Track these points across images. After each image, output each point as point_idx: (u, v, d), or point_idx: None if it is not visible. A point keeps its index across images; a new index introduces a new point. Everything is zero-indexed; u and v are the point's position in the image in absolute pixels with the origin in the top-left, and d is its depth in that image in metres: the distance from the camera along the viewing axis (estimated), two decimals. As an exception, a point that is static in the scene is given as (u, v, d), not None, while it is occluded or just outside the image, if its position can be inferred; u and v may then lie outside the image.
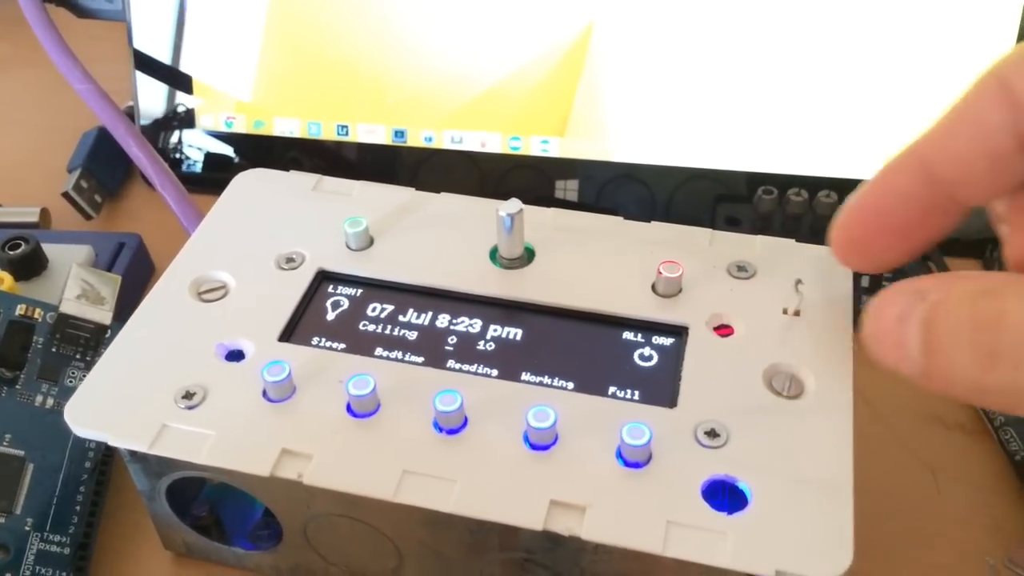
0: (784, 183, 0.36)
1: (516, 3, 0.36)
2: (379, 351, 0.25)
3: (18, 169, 0.43)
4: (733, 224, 0.36)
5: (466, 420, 0.23)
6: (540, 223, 0.28)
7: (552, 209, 0.28)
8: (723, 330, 0.25)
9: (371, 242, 0.28)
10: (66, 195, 0.38)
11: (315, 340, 0.25)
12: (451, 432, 0.22)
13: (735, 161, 0.36)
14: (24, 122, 0.46)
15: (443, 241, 0.28)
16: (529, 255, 0.27)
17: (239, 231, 0.28)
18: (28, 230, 0.34)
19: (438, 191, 0.29)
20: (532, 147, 0.38)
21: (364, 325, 0.26)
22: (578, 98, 0.37)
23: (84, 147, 0.40)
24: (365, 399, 0.23)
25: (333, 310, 0.26)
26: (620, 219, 0.28)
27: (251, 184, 0.30)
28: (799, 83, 0.35)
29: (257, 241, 0.28)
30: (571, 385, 0.24)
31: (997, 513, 0.28)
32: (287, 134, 0.39)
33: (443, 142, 0.38)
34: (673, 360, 0.24)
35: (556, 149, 0.37)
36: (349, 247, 0.27)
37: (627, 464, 0.22)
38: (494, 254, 0.27)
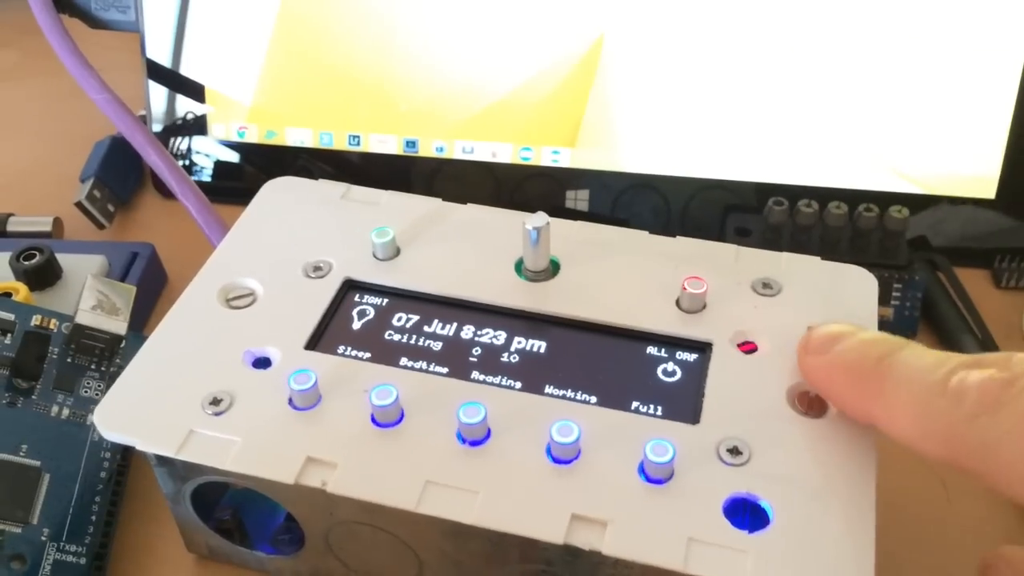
0: (794, 194, 0.36)
1: (528, 14, 0.37)
2: (404, 361, 0.25)
3: (30, 179, 0.43)
4: (743, 235, 0.36)
5: (489, 432, 0.23)
6: (565, 236, 0.28)
7: (578, 222, 0.29)
8: (747, 347, 0.25)
9: (397, 252, 0.28)
10: (79, 205, 0.38)
11: (341, 349, 0.25)
12: (474, 444, 0.22)
13: (745, 172, 0.36)
14: (35, 131, 0.46)
15: (469, 252, 0.28)
16: (554, 268, 0.27)
17: (267, 239, 0.28)
18: (42, 240, 0.34)
19: (449, 201, 0.30)
20: (543, 157, 0.38)
21: (389, 335, 0.26)
22: (589, 109, 0.37)
23: (96, 157, 0.40)
24: (388, 409, 0.23)
25: (359, 319, 0.26)
26: (645, 233, 0.28)
27: (280, 192, 0.30)
28: (810, 94, 0.35)
29: (285, 249, 0.28)
30: (594, 399, 0.24)
31: (1008, 525, 0.28)
32: (299, 144, 0.39)
33: (454, 152, 0.38)
34: (696, 376, 0.24)
35: (567, 159, 0.38)
36: (376, 256, 0.28)
37: (649, 480, 0.22)
38: (519, 266, 0.27)
